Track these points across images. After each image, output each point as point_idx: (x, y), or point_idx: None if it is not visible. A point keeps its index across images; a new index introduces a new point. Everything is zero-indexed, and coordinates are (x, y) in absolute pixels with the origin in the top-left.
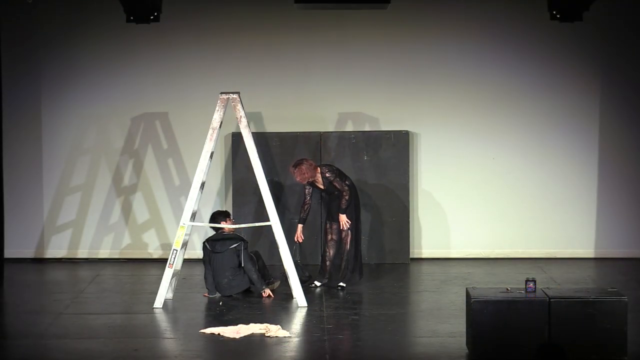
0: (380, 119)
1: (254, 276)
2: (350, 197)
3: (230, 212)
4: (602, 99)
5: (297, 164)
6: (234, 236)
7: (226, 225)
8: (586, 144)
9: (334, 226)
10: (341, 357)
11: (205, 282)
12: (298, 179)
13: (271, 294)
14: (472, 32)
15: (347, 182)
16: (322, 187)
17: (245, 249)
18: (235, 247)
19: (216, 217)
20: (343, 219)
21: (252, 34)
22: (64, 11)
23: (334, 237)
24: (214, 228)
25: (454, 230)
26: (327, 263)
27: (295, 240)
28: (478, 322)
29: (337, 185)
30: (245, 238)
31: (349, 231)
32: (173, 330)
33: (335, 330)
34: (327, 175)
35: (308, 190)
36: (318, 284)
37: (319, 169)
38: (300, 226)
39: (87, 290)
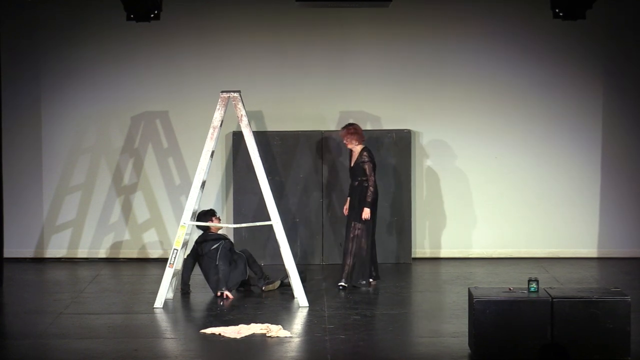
0: (382, 118)
1: (221, 275)
2: (375, 191)
3: (232, 211)
4: (605, 98)
5: (351, 125)
6: (217, 236)
7: (226, 225)
8: (589, 143)
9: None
10: (342, 358)
11: (181, 278)
12: (342, 133)
13: (229, 295)
14: (475, 30)
15: (374, 177)
16: (351, 164)
17: (224, 247)
18: (215, 247)
19: (202, 217)
20: (366, 212)
21: (253, 32)
22: (64, 10)
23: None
24: (200, 227)
25: (456, 229)
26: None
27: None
28: (480, 322)
29: (366, 169)
30: (227, 237)
31: (358, 231)
32: (173, 330)
33: (337, 330)
34: (365, 155)
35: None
36: (364, 282)
37: (363, 145)
38: (348, 199)
39: (87, 290)
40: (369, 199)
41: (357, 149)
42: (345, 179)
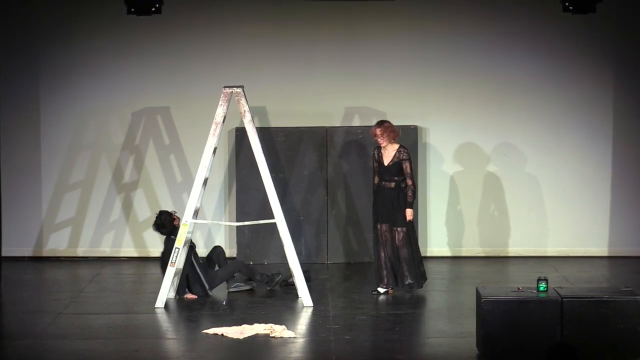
0: (388, 114)
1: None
2: (416, 191)
3: (234, 209)
4: (616, 93)
5: (385, 121)
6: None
7: (229, 223)
8: (599, 140)
9: (385, 227)
10: (348, 359)
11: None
12: (378, 130)
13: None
14: (482, 24)
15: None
16: (385, 163)
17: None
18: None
19: (166, 217)
20: (409, 212)
21: (257, 26)
22: (63, 3)
23: (387, 238)
24: (171, 232)
25: (463, 227)
26: (386, 269)
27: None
28: (488, 322)
29: (407, 168)
30: (171, 240)
31: (403, 234)
32: (175, 331)
33: (342, 330)
34: (405, 152)
35: (375, 165)
36: (382, 290)
37: (399, 144)
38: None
39: (87, 290)
40: (410, 199)
41: (393, 146)
42: (350, 176)
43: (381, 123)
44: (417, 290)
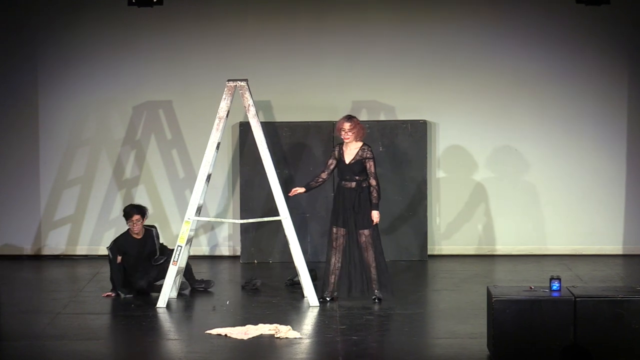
0: (397, 108)
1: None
2: (380, 192)
3: (238, 206)
4: (631, 87)
5: (353, 116)
6: None
7: (233, 220)
8: (614, 135)
9: (342, 231)
10: None
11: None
12: (347, 126)
13: (110, 294)
14: (494, 16)
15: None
16: (347, 161)
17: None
18: None
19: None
20: (376, 215)
21: (261, 18)
22: None
23: (342, 243)
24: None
25: (474, 225)
26: (335, 275)
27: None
28: (500, 323)
29: (371, 168)
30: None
31: (368, 237)
32: (177, 331)
33: (349, 331)
34: (369, 151)
35: (331, 162)
36: (328, 298)
37: (363, 142)
38: (302, 189)
39: (87, 289)
40: (377, 200)
41: (356, 144)
42: None
43: (350, 118)
44: (390, 297)
